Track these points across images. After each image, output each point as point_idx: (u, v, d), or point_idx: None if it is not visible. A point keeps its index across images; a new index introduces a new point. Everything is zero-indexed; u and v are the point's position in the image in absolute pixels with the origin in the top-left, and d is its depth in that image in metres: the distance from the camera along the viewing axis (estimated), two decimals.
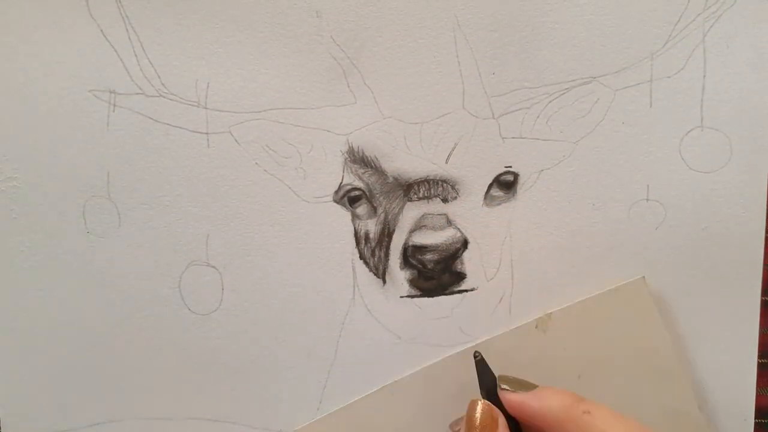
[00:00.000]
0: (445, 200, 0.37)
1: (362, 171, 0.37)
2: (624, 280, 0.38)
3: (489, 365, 0.34)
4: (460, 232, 0.37)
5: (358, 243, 0.37)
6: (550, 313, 0.37)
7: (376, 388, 0.38)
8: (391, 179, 0.37)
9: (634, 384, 0.38)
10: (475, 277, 0.37)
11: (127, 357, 0.37)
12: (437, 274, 0.37)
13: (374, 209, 0.37)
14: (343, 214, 0.37)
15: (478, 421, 0.31)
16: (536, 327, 0.37)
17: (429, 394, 0.38)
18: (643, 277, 0.37)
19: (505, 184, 0.37)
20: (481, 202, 0.37)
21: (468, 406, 0.32)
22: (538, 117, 0.37)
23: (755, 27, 0.36)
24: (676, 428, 0.38)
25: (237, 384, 0.37)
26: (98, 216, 0.36)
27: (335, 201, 0.37)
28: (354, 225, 0.37)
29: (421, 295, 0.37)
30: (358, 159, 0.37)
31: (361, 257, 0.37)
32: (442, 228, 0.36)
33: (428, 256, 0.36)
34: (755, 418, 0.39)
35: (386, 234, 0.37)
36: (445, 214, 0.37)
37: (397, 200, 0.37)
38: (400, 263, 0.37)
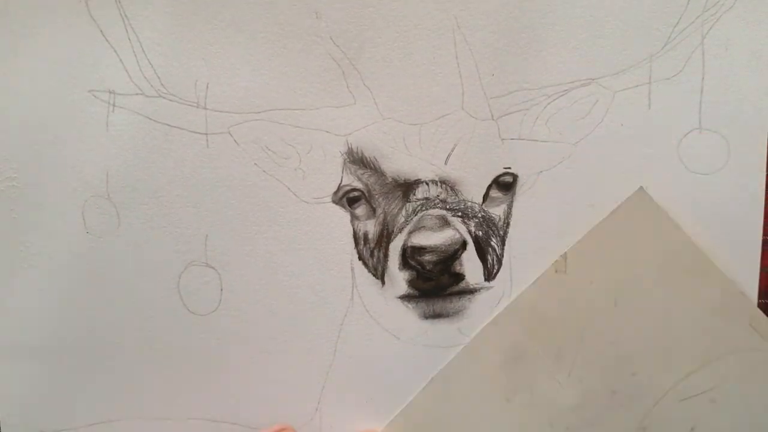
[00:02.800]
0: (444, 201, 0.37)
1: (361, 172, 0.37)
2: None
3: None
4: (459, 233, 0.37)
5: (357, 244, 0.37)
6: (565, 253, 0.37)
7: (377, 389, 0.38)
8: (390, 180, 0.37)
9: (672, 291, 0.37)
10: (474, 278, 0.37)
11: (125, 357, 0.37)
12: (436, 275, 0.37)
13: (373, 210, 0.37)
14: (342, 215, 0.37)
15: None
16: (556, 271, 0.37)
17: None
18: (641, 186, 0.37)
19: (504, 185, 0.37)
20: (480, 203, 0.37)
21: None
22: (537, 118, 0.37)
23: (754, 29, 0.36)
24: (728, 320, 0.37)
25: (235, 384, 0.38)
26: (97, 216, 0.36)
27: (334, 202, 0.37)
28: (353, 226, 0.37)
29: (419, 296, 0.37)
30: (358, 160, 0.37)
31: (360, 258, 0.37)
32: (441, 229, 0.36)
33: (427, 257, 0.36)
34: None
35: (385, 235, 0.37)
36: (444, 215, 0.37)
37: (396, 201, 0.37)
38: (399, 264, 0.37)
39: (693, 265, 0.37)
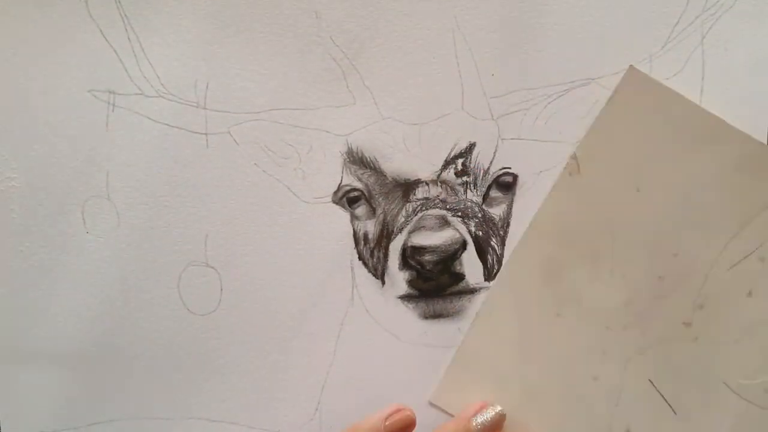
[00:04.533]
0: (444, 201, 0.37)
1: (361, 172, 0.37)
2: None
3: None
4: (459, 233, 0.37)
5: (357, 244, 0.37)
6: (573, 153, 0.36)
7: (378, 389, 0.38)
8: (390, 180, 0.37)
9: (692, 161, 0.36)
10: (474, 278, 0.37)
11: (125, 357, 0.37)
12: (436, 275, 0.37)
13: (373, 210, 0.37)
14: (342, 215, 0.37)
15: None
16: (570, 174, 0.36)
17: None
18: (631, 65, 0.36)
19: (504, 185, 0.37)
20: (480, 203, 0.37)
21: None
22: (537, 118, 0.37)
23: (754, 29, 0.36)
24: (755, 173, 0.36)
25: (235, 384, 0.38)
26: (97, 216, 0.36)
27: (334, 202, 0.37)
28: (353, 226, 0.37)
29: (420, 296, 0.37)
30: (357, 160, 0.37)
31: (360, 258, 0.37)
32: (441, 229, 0.36)
33: (427, 257, 0.36)
34: None
35: (385, 235, 0.37)
36: (444, 215, 0.37)
37: (396, 201, 0.37)
38: (399, 264, 0.37)
39: (705, 128, 0.35)
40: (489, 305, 0.37)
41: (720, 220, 0.36)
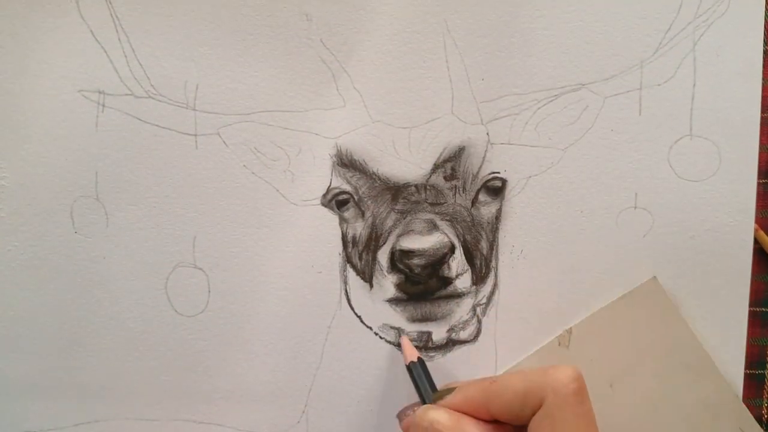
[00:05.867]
0: (432, 205, 0.37)
1: (350, 174, 0.37)
2: (633, 285, 0.37)
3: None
4: (448, 237, 0.37)
5: (345, 246, 0.37)
6: (570, 328, 0.37)
7: (364, 392, 0.38)
8: (379, 183, 0.37)
9: (668, 383, 0.37)
10: (462, 282, 0.37)
11: (112, 357, 0.37)
12: (424, 278, 0.37)
13: (362, 213, 0.37)
14: (330, 218, 0.37)
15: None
16: (558, 344, 0.37)
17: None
18: (654, 276, 0.37)
19: (493, 189, 0.37)
20: (469, 208, 0.37)
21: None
22: (526, 123, 0.37)
23: (745, 36, 0.36)
24: (718, 419, 0.38)
25: (222, 386, 0.37)
26: (86, 216, 0.36)
27: (323, 204, 0.37)
28: (342, 228, 0.37)
29: (408, 300, 0.37)
30: (347, 162, 0.37)
31: (349, 261, 0.37)
32: (429, 233, 0.36)
33: (415, 261, 0.36)
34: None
35: (374, 238, 0.37)
36: (432, 219, 0.37)
37: (385, 204, 0.37)
38: (388, 267, 0.37)
39: (692, 360, 0.37)
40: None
41: None
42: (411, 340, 0.37)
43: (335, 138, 0.37)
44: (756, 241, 0.38)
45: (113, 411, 0.37)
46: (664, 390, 0.37)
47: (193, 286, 0.37)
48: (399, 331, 0.37)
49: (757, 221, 0.38)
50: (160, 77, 0.36)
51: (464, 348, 0.38)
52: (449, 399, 0.31)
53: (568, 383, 0.27)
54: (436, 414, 0.30)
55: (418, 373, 0.34)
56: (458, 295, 0.37)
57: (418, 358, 0.35)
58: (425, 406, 0.32)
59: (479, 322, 0.38)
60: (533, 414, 0.28)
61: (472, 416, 0.30)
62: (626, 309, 0.37)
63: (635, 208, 0.37)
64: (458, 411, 0.30)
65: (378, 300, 0.37)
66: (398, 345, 0.38)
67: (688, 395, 0.38)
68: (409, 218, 0.37)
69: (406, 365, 0.35)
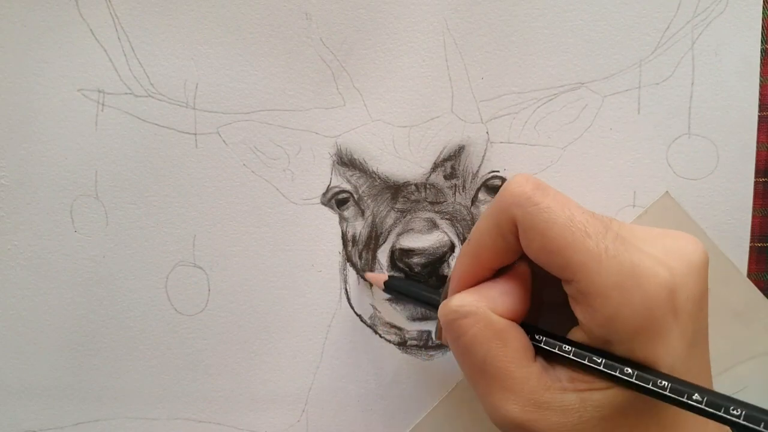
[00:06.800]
0: (432, 204, 0.37)
1: (350, 173, 0.37)
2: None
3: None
4: (447, 236, 0.37)
5: (345, 245, 0.37)
6: None
7: (364, 391, 0.38)
8: (379, 182, 0.37)
9: None
10: None
11: (112, 356, 0.37)
12: (424, 277, 0.37)
13: (362, 212, 0.37)
14: (330, 217, 0.37)
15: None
16: None
17: None
18: (667, 192, 0.37)
19: (493, 188, 0.37)
20: (469, 206, 0.37)
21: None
22: (526, 122, 0.37)
23: (743, 35, 0.36)
24: (750, 325, 0.37)
25: (222, 385, 0.37)
26: (86, 215, 0.36)
27: (323, 203, 0.37)
28: (341, 227, 0.37)
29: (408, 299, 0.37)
30: (347, 161, 0.37)
31: (349, 260, 0.37)
32: (429, 231, 0.36)
33: (415, 260, 0.36)
34: None
35: (374, 237, 0.37)
36: (432, 218, 0.37)
37: (385, 203, 0.37)
38: (388, 266, 0.37)
39: (717, 270, 0.36)
40: None
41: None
42: (411, 339, 0.37)
43: (335, 137, 0.37)
44: (755, 240, 0.38)
45: (113, 410, 0.37)
46: None
47: (193, 285, 0.37)
48: (401, 332, 0.38)
49: (754, 220, 0.38)
50: (159, 76, 0.35)
51: None
52: (452, 285, 0.30)
53: (516, 183, 0.27)
54: (456, 300, 0.28)
55: (403, 285, 0.34)
56: None
57: (390, 276, 0.35)
58: (442, 303, 0.30)
59: None
60: (513, 234, 0.27)
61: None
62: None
63: (634, 206, 0.37)
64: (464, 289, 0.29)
65: (378, 299, 0.37)
66: (398, 345, 0.38)
67: (717, 305, 0.36)
68: (409, 217, 0.37)
69: (383, 288, 0.35)
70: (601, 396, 0.26)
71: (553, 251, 0.26)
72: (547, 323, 0.29)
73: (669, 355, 0.25)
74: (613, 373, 0.25)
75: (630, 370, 0.25)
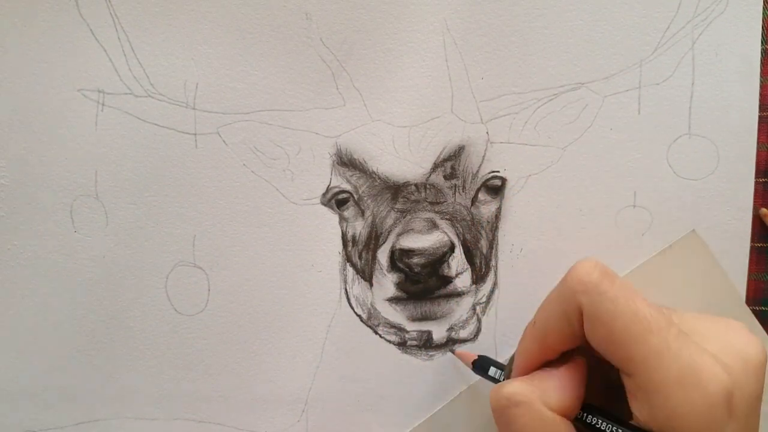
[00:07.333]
0: (432, 204, 0.37)
1: (350, 173, 0.37)
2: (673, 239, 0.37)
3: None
4: (447, 236, 0.37)
5: (345, 245, 0.37)
6: None
7: (364, 391, 0.38)
8: (379, 182, 0.37)
9: None
10: (462, 281, 0.37)
11: (112, 357, 0.37)
12: (424, 277, 0.37)
13: (362, 212, 0.37)
14: (330, 217, 0.37)
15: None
16: None
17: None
18: (693, 230, 0.37)
19: (493, 188, 0.37)
20: (469, 206, 0.37)
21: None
22: (526, 122, 0.37)
23: (744, 35, 0.36)
24: None
25: (222, 385, 0.37)
26: (85, 215, 0.36)
27: (323, 203, 0.37)
28: (341, 227, 0.37)
29: (407, 299, 0.37)
30: (346, 161, 0.37)
31: (349, 260, 0.37)
32: (429, 232, 0.36)
33: (415, 260, 0.36)
34: None
35: (374, 237, 0.37)
36: (432, 218, 0.37)
37: (385, 203, 0.37)
38: (388, 266, 0.37)
39: (732, 314, 0.36)
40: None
41: None
42: (411, 339, 0.37)
43: (335, 137, 0.37)
44: (755, 240, 0.38)
45: (113, 410, 0.37)
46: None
47: (193, 285, 0.37)
48: (401, 332, 0.38)
49: (754, 220, 0.38)
50: (159, 76, 0.35)
51: (464, 347, 0.38)
52: (514, 368, 0.30)
53: (584, 270, 0.27)
54: (509, 388, 0.28)
55: (484, 366, 0.34)
56: (458, 294, 0.37)
57: (479, 356, 0.35)
58: (494, 386, 0.30)
59: (479, 320, 0.38)
60: (578, 321, 0.27)
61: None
62: (667, 264, 0.37)
63: (634, 206, 0.37)
64: (528, 372, 0.30)
65: (378, 299, 0.37)
66: (398, 345, 0.38)
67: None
68: (408, 217, 0.37)
69: (471, 368, 0.35)
70: None
71: (616, 343, 0.26)
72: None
73: None
74: None
75: None
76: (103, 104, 0.36)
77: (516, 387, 0.28)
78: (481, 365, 0.35)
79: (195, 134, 0.36)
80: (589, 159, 0.37)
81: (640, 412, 0.27)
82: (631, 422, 0.27)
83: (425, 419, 0.38)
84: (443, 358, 0.38)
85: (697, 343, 0.26)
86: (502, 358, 0.37)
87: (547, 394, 0.28)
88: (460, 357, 0.37)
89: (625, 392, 0.27)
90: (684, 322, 0.28)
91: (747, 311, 0.37)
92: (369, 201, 0.37)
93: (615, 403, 0.29)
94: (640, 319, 0.26)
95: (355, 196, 0.37)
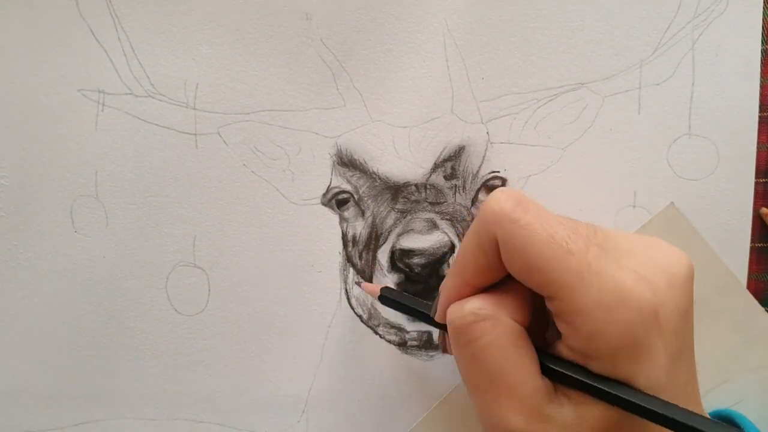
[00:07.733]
0: (432, 204, 0.37)
1: (350, 174, 0.37)
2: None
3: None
4: (448, 236, 0.37)
5: (345, 246, 0.37)
6: None
7: (365, 391, 0.38)
8: (379, 182, 0.37)
9: (700, 306, 0.35)
10: None
11: (112, 357, 0.37)
12: (424, 278, 0.37)
13: (362, 212, 0.37)
14: (330, 217, 0.37)
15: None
16: None
17: None
18: (672, 202, 0.37)
19: (493, 189, 0.37)
20: (469, 207, 0.37)
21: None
22: (526, 122, 0.37)
23: (743, 35, 0.36)
24: (750, 338, 0.37)
25: (222, 385, 0.37)
26: (86, 215, 0.36)
27: (323, 203, 0.37)
28: (342, 228, 0.37)
29: None
30: (347, 162, 0.37)
31: (349, 260, 0.37)
32: (429, 232, 0.36)
33: (415, 260, 0.36)
34: None
35: (374, 237, 0.37)
36: (432, 218, 0.37)
37: (385, 203, 0.37)
38: (388, 267, 0.37)
39: (719, 281, 0.37)
40: None
41: (706, 368, 0.36)
42: (411, 339, 0.37)
43: (335, 137, 0.37)
44: (755, 240, 0.38)
45: (113, 410, 0.37)
46: (697, 312, 0.37)
47: (193, 285, 0.37)
48: (401, 332, 0.38)
49: (754, 220, 0.38)
50: (159, 76, 0.35)
51: None
52: (440, 302, 0.29)
53: (495, 200, 0.26)
54: (473, 303, 0.27)
55: (397, 296, 0.34)
56: None
57: (382, 288, 0.35)
58: (455, 304, 0.28)
59: None
60: (494, 252, 0.26)
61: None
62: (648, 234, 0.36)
63: (634, 206, 0.37)
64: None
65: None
66: (399, 345, 0.38)
67: (718, 317, 0.37)
68: (409, 217, 0.37)
69: (378, 298, 0.35)
70: (596, 412, 0.26)
71: (534, 270, 0.25)
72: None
73: (652, 370, 0.25)
74: (594, 385, 0.25)
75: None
76: (103, 104, 0.36)
77: (480, 302, 0.27)
78: (387, 297, 0.34)
79: (195, 134, 0.36)
80: (589, 159, 0.37)
81: (566, 333, 0.26)
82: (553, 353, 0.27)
83: (422, 418, 0.38)
84: (443, 358, 0.38)
85: (619, 261, 0.25)
86: None
87: (508, 308, 0.27)
88: (366, 290, 0.36)
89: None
90: (608, 241, 0.26)
91: (735, 280, 0.37)
92: (369, 201, 0.37)
93: (548, 326, 0.28)
94: (557, 241, 0.25)
95: (356, 197, 0.37)
